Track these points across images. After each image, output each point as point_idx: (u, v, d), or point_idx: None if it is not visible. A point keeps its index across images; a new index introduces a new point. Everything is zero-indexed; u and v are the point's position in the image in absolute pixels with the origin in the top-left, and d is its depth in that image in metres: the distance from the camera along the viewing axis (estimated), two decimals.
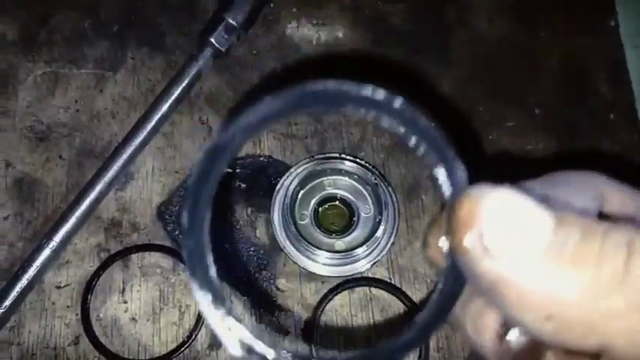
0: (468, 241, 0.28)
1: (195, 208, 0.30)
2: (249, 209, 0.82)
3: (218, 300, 0.30)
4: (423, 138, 0.31)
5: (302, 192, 0.81)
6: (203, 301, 0.30)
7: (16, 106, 0.85)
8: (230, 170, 0.83)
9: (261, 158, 0.84)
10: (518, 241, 0.27)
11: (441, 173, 0.31)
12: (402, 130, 0.31)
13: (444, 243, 0.32)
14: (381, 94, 0.31)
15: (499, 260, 0.27)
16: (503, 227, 0.27)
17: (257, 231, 0.81)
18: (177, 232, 0.80)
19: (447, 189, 0.31)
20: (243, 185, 0.83)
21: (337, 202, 0.81)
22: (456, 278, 0.31)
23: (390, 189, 0.80)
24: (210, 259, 0.30)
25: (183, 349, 0.74)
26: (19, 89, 0.86)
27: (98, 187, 0.80)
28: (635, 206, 0.37)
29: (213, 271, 0.30)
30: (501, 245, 0.27)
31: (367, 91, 0.31)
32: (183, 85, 0.85)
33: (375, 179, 0.79)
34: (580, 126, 0.90)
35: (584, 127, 0.90)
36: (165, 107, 0.84)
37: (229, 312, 0.30)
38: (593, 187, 0.37)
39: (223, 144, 0.31)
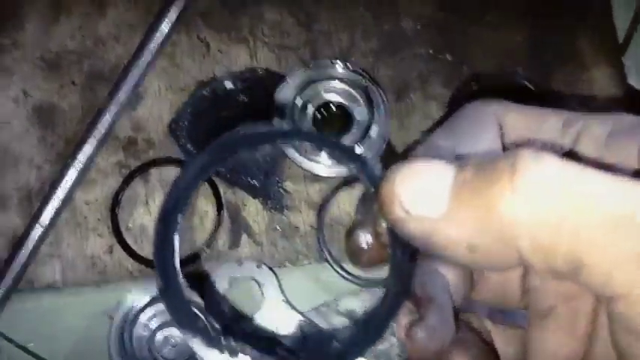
0: (393, 212, 0.33)
1: (166, 269, 0.34)
2: (252, 121, 0.89)
3: (212, 341, 0.35)
4: (336, 151, 0.38)
5: (299, 100, 0.87)
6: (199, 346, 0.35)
7: (25, 37, 0.91)
8: (232, 87, 0.89)
9: (259, 71, 0.91)
10: (428, 195, 0.33)
11: (362, 177, 0.37)
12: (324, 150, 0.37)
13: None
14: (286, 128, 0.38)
15: (419, 217, 0.33)
16: (414, 189, 0.33)
17: None
18: (189, 146, 0.87)
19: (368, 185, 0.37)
20: (245, 98, 0.89)
21: (333, 108, 0.88)
22: (403, 250, 0.36)
23: (380, 90, 0.86)
24: (192, 311, 0.35)
25: (207, 249, 0.84)
26: (25, 21, 0.91)
27: (112, 109, 0.86)
28: (528, 126, 0.42)
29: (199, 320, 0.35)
30: (416, 204, 0.33)
31: (274, 129, 0.37)
32: (179, 3, 0.89)
33: (366, 82, 0.86)
34: (555, 12, 0.95)
35: (558, 12, 0.95)
36: (164, 28, 0.89)
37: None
38: (490, 122, 0.42)
39: (171, 207, 0.36)
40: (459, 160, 0.34)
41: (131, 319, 0.80)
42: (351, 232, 0.42)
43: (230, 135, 0.37)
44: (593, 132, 0.41)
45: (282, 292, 0.81)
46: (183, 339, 0.82)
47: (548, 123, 0.42)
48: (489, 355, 0.44)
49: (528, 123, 0.43)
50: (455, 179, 0.32)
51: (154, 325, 0.83)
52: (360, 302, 0.84)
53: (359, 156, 0.37)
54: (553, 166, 0.30)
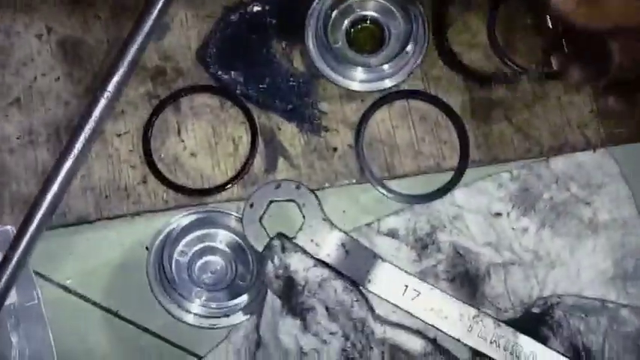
0: None
1: None
2: (284, 43, 0.86)
3: None
4: None
5: (333, 17, 0.84)
6: None
7: None
8: (260, 10, 0.86)
9: None
10: None
11: None
12: None
13: None
14: None
15: None
16: None
17: (294, 62, 0.85)
18: (219, 72, 0.84)
19: None
20: (274, 21, 0.86)
21: (368, 23, 0.85)
22: None
23: (417, 2, 0.82)
24: None
25: (242, 174, 0.81)
26: None
27: (138, 39, 0.83)
28: None
29: None
30: None
31: None
32: None
33: None
34: None
35: None
36: None
37: None
38: None
39: None
40: None
41: (169, 246, 0.77)
42: None
43: None
44: None
45: (323, 211, 0.78)
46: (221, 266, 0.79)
47: None
48: None
49: None
50: None
51: (192, 252, 0.80)
52: (402, 221, 0.80)
53: None
54: None
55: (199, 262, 0.81)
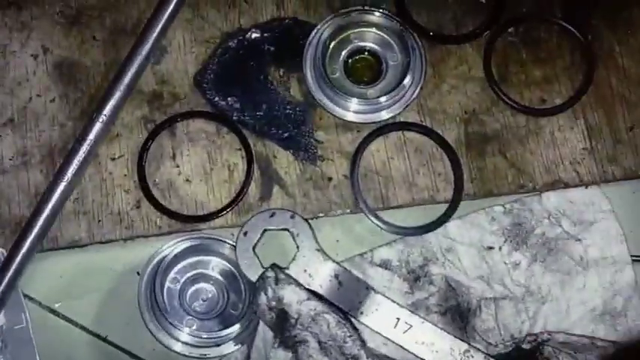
0: None
1: None
2: (281, 70, 0.86)
3: None
4: None
5: (331, 47, 0.84)
6: None
7: None
8: (259, 37, 0.86)
9: (287, 20, 0.87)
10: None
11: None
12: None
13: None
14: None
15: None
16: None
17: (291, 90, 0.85)
18: (216, 98, 0.84)
19: None
20: (272, 48, 0.86)
21: (366, 54, 0.85)
22: None
23: (415, 35, 0.83)
24: None
25: (237, 202, 0.81)
26: None
27: (136, 62, 0.83)
28: None
29: None
30: None
31: None
32: None
33: (401, 26, 0.82)
34: None
35: None
36: None
37: None
38: None
39: None
40: None
41: (161, 273, 0.77)
42: None
43: None
44: None
45: (317, 241, 0.78)
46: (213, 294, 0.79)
47: None
48: None
49: None
50: None
51: (184, 279, 0.80)
52: (395, 252, 0.80)
53: None
54: None
55: (191, 290, 0.81)
